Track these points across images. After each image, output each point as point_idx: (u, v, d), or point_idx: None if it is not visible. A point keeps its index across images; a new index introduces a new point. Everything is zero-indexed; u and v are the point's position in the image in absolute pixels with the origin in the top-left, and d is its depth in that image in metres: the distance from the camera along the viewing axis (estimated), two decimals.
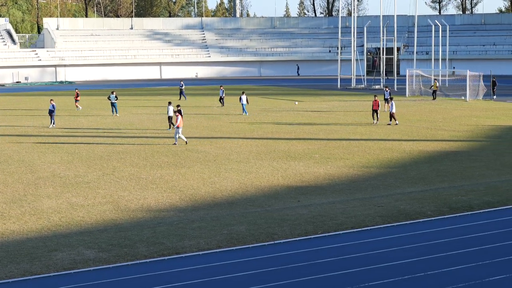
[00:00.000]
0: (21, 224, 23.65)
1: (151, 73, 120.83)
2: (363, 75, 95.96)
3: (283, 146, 40.52)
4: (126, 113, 59.36)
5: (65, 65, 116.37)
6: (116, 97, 58.77)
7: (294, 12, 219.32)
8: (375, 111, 50.62)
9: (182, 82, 77.72)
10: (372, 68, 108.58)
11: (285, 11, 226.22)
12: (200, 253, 20.25)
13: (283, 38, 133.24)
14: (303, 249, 20.52)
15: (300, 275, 18.26)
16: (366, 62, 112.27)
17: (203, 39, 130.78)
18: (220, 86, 68.62)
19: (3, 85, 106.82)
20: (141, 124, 51.94)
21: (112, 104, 58.66)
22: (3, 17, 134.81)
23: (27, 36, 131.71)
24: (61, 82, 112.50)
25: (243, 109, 58.22)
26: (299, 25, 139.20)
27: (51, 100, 52.13)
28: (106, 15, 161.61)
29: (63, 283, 17.91)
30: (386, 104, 57.03)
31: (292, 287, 17.57)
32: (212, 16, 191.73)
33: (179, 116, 41.34)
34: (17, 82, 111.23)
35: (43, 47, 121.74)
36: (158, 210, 25.63)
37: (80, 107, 63.71)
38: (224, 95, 66.06)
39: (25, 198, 27.51)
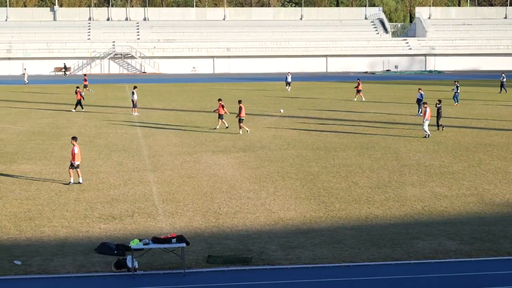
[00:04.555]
0: (384, 210, 24.17)
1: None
2: None
3: None
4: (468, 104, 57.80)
5: (435, 55, 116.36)
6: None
7: None
8: None
9: (503, 74, 74.03)
10: None
11: None
12: None
13: None
14: None
15: None
16: None
17: None
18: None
19: (373, 73, 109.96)
20: (509, 116, 50.18)
21: (455, 94, 59.12)
22: (376, 6, 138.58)
23: (398, 25, 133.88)
24: (430, 71, 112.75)
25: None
26: None
27: (419, 89, 52.48)
28: (479, 4, 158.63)
29: (422, 272, 17.99)
30: None
31: None
32: None
33: (427, 108, 40.00)
34: (387, 70, 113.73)
35: (414, 36, 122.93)
36: None
37: (355, 99, 63.54)
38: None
39: (389, 185, 28.05)
